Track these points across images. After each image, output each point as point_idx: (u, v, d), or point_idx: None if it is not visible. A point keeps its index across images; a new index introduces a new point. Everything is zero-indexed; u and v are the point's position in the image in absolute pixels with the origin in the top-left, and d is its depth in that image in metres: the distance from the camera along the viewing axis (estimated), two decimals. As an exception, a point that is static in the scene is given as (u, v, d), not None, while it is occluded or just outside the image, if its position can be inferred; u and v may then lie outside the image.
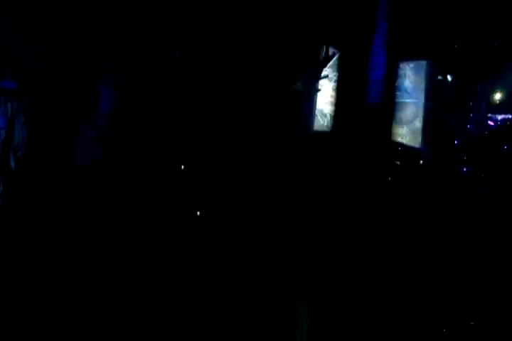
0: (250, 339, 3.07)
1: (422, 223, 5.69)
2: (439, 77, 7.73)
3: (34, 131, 4.29)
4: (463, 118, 7.54)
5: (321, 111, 7.60)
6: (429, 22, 7.34)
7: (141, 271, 3.78)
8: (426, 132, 7.67)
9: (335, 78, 7.66)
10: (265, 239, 4.86)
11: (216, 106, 6.36)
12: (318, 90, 7.54)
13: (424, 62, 7.84)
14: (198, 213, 5.22)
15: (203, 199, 5.45)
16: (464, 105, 7.59)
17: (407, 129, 7.81)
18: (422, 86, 7.85)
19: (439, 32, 7.40)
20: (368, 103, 7.33)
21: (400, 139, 7.77)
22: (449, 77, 7.72)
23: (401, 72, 7.70)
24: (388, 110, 7.47)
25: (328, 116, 7.65)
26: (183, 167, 5.57)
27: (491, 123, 7.41)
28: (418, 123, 7.79)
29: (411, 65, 7.70)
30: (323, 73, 7.55)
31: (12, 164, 3.94)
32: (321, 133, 7.53)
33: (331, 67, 7.61)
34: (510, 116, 7.27)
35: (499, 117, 7.34)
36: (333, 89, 7.67)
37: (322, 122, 7.59)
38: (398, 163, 7.47)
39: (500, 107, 7.37)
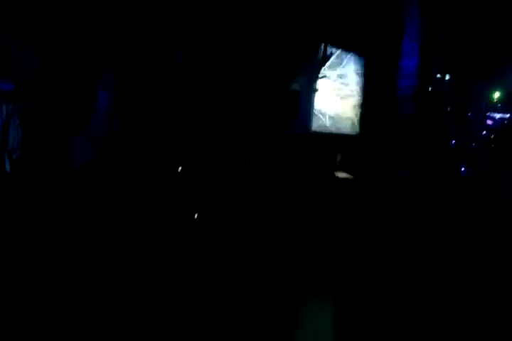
0: (250, 339, 3.06)
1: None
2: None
3: (30, 134, 4.27)
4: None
5: (320, 111, 7.60)
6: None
7: (139, 271, 3.77)
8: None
9: (339, 79, 7.66)
10: (264, 237, 4.86)
11: (215, 106, 6.34)
12: (316, 90, 7.52)
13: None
14: (196, 212, 5.21)
15: (200, 198, 5.45)
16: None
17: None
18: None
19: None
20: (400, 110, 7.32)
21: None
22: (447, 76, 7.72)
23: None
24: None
25: (327, 116, 7.65)
26: (181, 167, 5.56)
27: (489, 122, 7.42)
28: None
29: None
30: (322, 73, 7.53)
31: (7, 167, 3.92)
32: (319, 132, 7.54)
33: (329, 66, 7.61)
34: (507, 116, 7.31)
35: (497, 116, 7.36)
36: (333, 88, 7.67)
37: (321, 122, 7.59)
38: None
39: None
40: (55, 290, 3.33)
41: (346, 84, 7.85)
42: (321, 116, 7.55)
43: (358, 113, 7.96)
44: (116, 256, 3.99)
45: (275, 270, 4.19)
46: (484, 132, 7.34)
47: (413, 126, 7.33)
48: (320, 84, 7.52)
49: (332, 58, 7.58)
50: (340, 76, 7.75)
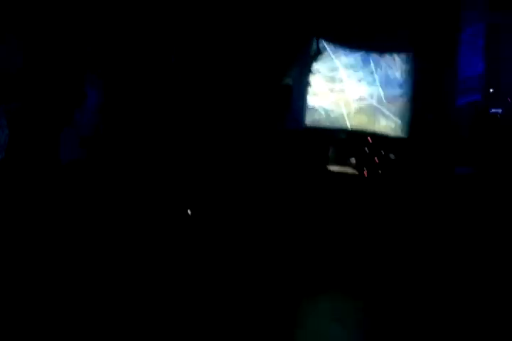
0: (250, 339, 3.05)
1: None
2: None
3: (17, 133, 4.28)
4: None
5: (314, 107, 7.58)
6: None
7: (127, 268, 3.77)
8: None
9: (333, 75, 7.63)
10: (260, 235, 4.85)
11: (206, 103, 6.33)
12: (309, 84, 7.50)
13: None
14: (189, 208, 5.21)
15: (192, 195, 5.45)
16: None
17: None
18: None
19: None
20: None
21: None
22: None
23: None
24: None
25: (323, 112, 7.63)
26: (171, 165, 5.56)
27: None
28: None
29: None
30: (314, 67, 7.51)
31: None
32: (313, 128, 7.52)
33: (322, 60, 7.58)
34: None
35: None
36: (325, 82, 7.63)
37: (317, 117, 7.57)
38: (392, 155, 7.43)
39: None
40: (43, 285, 3.33)
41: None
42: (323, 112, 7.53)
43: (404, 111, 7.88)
44: (105, 251, 4.00)
45: (271, 266, 4.19)
46: None
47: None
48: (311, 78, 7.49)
49: (325, 52, 7.53)
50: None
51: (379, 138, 7.55)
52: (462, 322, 3.39)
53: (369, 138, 7.53)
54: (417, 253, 4.75)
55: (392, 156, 7.36)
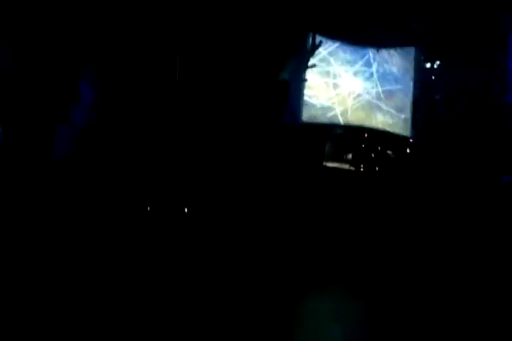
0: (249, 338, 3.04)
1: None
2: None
3: (10, 131, 4.25)
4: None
5: (311, 102, 7.56)
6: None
7: (116, 263, 3.76)
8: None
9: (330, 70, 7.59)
10: (258, 232, 4.84)
11: (202, 97, 6.30)
12: (306, 80, 7.47)
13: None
14: (183, 202, 5.19)
15: (187, 191, 5.43)
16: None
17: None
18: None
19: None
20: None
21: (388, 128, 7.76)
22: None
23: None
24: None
25: (320, 107, 7.60)
26: (167, 158, 5.54)
27: None
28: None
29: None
30: (310, 63, 7.47)
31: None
32: (309, 123, 7.50)
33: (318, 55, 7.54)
34: None
35: None
36: (321, 77, 7.59)
37: (314, 113, 7.55)
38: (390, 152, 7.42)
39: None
40: (34, 281, 3.32)
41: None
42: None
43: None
44: (99, 247, 3.98)
45: (267, 260, 4.18)
46: None
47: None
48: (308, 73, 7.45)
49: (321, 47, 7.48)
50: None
51: (376, 134, 7.54)
52: (462, 320, 3.40)
53: (366, 133, 7.52)
54: (414, 250, 4.74)
55: (389, 152, 7.35)
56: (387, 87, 7.76)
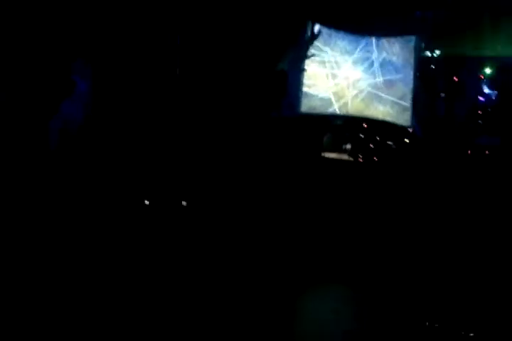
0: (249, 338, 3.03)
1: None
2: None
3: (4, 123, 4.24)
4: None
5: (310, 93, 7.50)
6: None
7: (112, 258, 3.76)
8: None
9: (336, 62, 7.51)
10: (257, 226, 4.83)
11: (199, 89, 6.27)
12: (304, 70, 7.40)
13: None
14: (181, 195, 5.18)
15: (185, 184, 5.43)
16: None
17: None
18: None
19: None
20: None
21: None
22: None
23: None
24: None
25: (319, 98, 7.54)
26: (163, 150, 5.52)
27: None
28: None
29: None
30: (309, 52, 7.39)
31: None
32: (308, 114, 7.45)
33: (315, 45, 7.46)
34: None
35: None
36: (320, 67, 7.53)
37: (313, 103, 7.49)
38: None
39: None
40: (32, 274, 3.32)
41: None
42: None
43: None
44: (96, 242, 3.99)
45: (265, 253, 4.18)
46: None
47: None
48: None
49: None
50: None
51: (375, 124, 7.47)
52: (462, 314, 3.38)
53: (365, 124, 7.46)
54: (414, 241, 4.73)
55: (389, 143, 7.29)
56: (387, 77, 7.66)
